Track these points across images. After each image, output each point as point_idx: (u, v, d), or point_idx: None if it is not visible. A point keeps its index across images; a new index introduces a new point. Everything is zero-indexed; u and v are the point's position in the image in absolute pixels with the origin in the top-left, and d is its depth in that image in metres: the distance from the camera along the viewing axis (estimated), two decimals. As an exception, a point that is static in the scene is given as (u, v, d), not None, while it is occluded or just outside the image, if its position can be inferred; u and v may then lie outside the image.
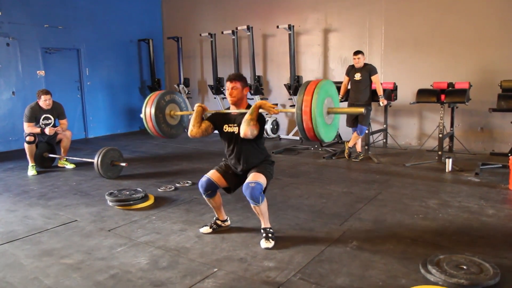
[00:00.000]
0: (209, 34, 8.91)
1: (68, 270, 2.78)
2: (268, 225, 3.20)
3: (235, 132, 3.14)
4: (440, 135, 5.65)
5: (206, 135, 3.25)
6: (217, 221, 3.42)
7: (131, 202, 4.08)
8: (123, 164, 5.25)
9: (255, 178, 3.03)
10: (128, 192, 4.26)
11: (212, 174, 3.23)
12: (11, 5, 7.57)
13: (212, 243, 3.18)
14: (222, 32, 8.62)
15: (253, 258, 2.88)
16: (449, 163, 5.23)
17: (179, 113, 3.76)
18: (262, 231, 3.17)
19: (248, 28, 8.16)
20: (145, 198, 4.21)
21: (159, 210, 3.99)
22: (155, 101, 3.58)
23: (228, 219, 3.49)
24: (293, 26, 7.81)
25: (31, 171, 5.63)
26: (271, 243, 3.07)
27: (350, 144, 6.06)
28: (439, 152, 5.68)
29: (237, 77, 3.16)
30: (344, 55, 7.71)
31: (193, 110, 3.28)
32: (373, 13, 7.34)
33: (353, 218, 3.65)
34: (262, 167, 3.15)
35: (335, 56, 7.90)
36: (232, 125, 3.19)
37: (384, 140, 7.10)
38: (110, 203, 4.15)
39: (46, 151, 5.87)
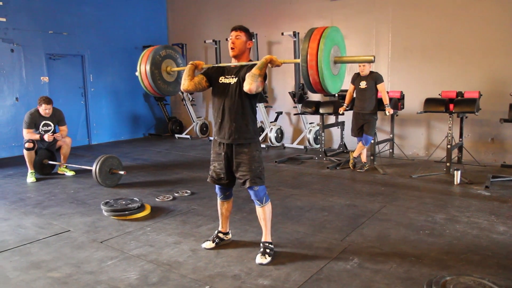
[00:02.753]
0: (214, 41, 8.84)
1: (54, 285, 2.66)
2: (269, 239, 3.05)
3: (231, 83, 2.88)
4: (449, 146, 5.47)
5: (200, 89, 2.99)
6: (219, 234, 3.27)
7: (127, 212, 3.96)
8: (122, 172, 5.15)
9: (255, 183, 2.88)
10: (124, 202, 4.14)
11: (216, 182, 3.09)
12: (16, 11, 7.57)
13: (206, 257, 3.04)
14: (227, 39, 8.49)
15: (247, 275, 2.74)
16: (457, 175, 5.05)
17: (176, 69, 3.57)
18: (261, 244, 3.03)
19: (253, 35, 8.08)
20: (141, 208, 4.09)
21: (154, 221, 3.87)
22: (150, 57, 3.43)
23: (230, 232, 3.34)
24: (298, 33, 7.70)
25: (30, 178, 5.55)
26: (266, 259, 2.91)
27: (355, 154, 5.90)
28: (448, 164, 5.50)
29: (242, 27, 2.92)
30: (349, 64, 7.56)
31: None
32: (380, 20, 7.21)
33: (355, 233, 3.49)
34: (252, 163, 2.88)
35: (341, 64, 7.75)
36: (228, 76, 2.92)
37: (391, 150, 6.93)
38: (105, 213, 4.04)
39: (45, 158, 5.80)
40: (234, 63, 2.97)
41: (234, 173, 2.99)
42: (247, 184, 2.91)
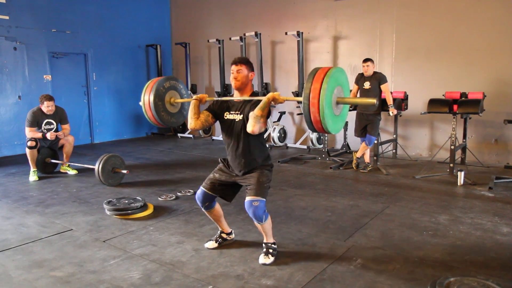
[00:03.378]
0: (217, 40, 8.83)
1: (57, 284, 2.66)
2: (271, 240, 3.03)
3: (236, 120, 2.90)
4: (452, 147, 5.44)
5: (208, 126, 3.03)
6: (222, 234, 3.25)
7: (129, 211, 3.96)
8: (125, 171, 5.14)
9: (256, 194, 2.81)
10: (127, 201, 4.14)
11: (208, 185, 3.04)
12: (19, 9, 7.57)
13: (209, 257, 3.03)
14: (230, 38, 8.53)
15: (250, 275, 2.73)
16: (461, 176, 5.03)
17: (180, 100, 3.55)
18: (263, 245, 3.01)
19: (256, 34, 8.06)
20: (144, 207, 4.08)
21: (157, 220, 3.86)
22: (154, 88, 3.42)
23: (232, 232, 3.32)
24: (302, 33, 7.69)
25: (33, 177, 5.55)
26: (269, 259, 2.90)
27: (358, 155, 5.89)
28: (451, 165, 5.48)
29: (243, 60, 2.92)
30: (354, 63, 7.55)
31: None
32: (384, 21, 7.19)
33: (359, 234, 3.48)
34: (261, 176, 2.90)
35: (345, 64, 7.73)
36: (233, 112, 2.93)
37: (394, 151, 6.91)
38: (108, 212, 4.04)
39: (48, 156, 5.80)
40: (237, 96, 2.96)
41: (240, 182, 2.98)
42: (247, 195, 2.84)
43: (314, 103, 2.52)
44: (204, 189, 3.04)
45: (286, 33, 7.79)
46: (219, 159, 3.15)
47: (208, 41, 9.14)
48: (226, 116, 2.96)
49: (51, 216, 4.03)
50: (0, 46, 7.39)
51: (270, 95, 2.74)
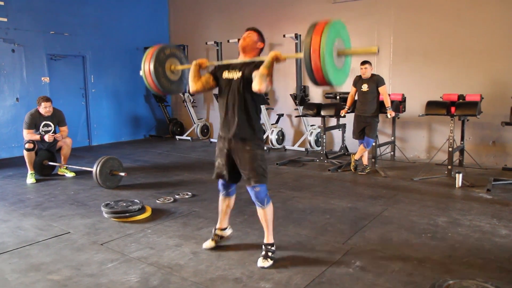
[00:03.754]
0: (215, 42, 8.83)
1: (54, 287, 2.64)
2: (271, 241, 3.02)
3: (234, 78, 2.88)
4: (450, 149, 5.45)
5: (209, 88, 3.06)
6: (217, 232, 3.23)
7: (127, 214, 3.94)
8: (122, 173, 5.13)
9: (256, 179, 2.84)
10: (124, 204, 4.12)
11: (220, 176, 3.06)
12: (17, 11, 7.56)
13: (208, 260, 3.02)
14: (228, 41, 8.53)
15: (249, 278, 2.72)
16: (459, 178, 5.03)
17: (180, 67, 3.53)
18: (263, 247, 2.99)
19: (255, 36, 8.05)
20: (142, 210, 4.06)
21: (155, 223, 3.85)
22: (155, 54, 3.41)
23: (228, 227, 3.30)
24: (300, 35, 7.69)
25: (30, 179, 5.53)
26: (268, 263, 2.89)
27: (356, 157, 5.89)
28: (449, 167, 5.48)
29: (255, 28, 2.97)
30: (352, 65, 7.50)
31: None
32: (382, 23, 7.20)
33: (357, 236, 3.47)
34: (254, 160, 2.86)
35: (343, 66, 7.74)
36: (233, 71, 2.92)
37: (392, 153, 6.91)
38: (106, 215, 4.02)
39: (46, 158, 5.78)
40: (240, 59, 2.96)
41: (239, 168, 2.96)
42: (247, 184, 2.90)
43: (316, 58, 2.49)
44: (220, 180, 3.10)
45: (284, 36, 7.80)
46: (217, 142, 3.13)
47: (206, 43, 9.15)
48: (224, 76, 2.96)
49: (48, 219, 4.01)
50: (-2, 48, 7.38)
51: (272, 53, 2.74)
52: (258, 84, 2.68)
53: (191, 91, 3.05)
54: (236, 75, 2.89)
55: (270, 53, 2.74)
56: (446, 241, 3.34)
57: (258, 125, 2.97)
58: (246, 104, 2.88)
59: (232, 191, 3.17)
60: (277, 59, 2.73)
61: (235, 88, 2.88)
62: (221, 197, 3.20)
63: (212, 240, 3.22)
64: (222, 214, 3.23)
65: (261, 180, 2.88)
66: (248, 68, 2.85)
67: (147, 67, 3.42)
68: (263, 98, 7.93)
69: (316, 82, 2.66)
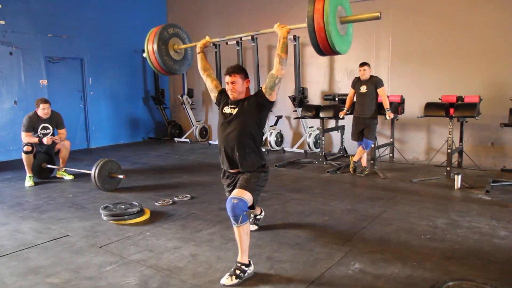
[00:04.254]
0: (214, 44, 8.82)
1: (53, 291, 2.63)
2: (245, 260, 2.76)
3: (233, 114, 2.90)
4: (449, 150, 5.45)
5: (212, 80, 3.19)
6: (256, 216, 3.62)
7: (126, 216, 3.94)
8: (121, 176, 5.12)
9: (240, 193, 2.75)
10: (123, 206, 4.11)
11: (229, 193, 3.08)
12: (15, 14, 7.55)
13: (206, 263, 3.01)
14: (227, 43, 8.53)
15: (248, 280, 2.71)
16: (458, 180, 5.03)
17: (183, 46, 3.57)
18: (235, 264, 2.76)
19: (253, 38, 8.07)
20: (140, 212, 4.06)
21: (154, 226, 3.84)
22: (158, 32, 3.42)
23: (262, 210, 3.72)
24: (299, 37, 7.70)
25: (29, 182, 5.52)
26: (232, 281, 2.64)
27: (355, 159, 5.88)
28: (448, 168, 5.48)
29: (236, 69, 2.89)
30: (350, 67, 7.57)
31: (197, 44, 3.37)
32: (381, 25, 7.20)
33: (357, 238, 3.47)
34: (252, 178, 2.85)
35: (341, 68, 7.76)
36: (232, 106, 2.94)
37: (391, 155, 6.91)
38: (104, 218, 4.01)
39: (44, 161, 5.76)
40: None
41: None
42: (231, 194, 2.79)
43: (320, 26, 2.54)
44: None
45: (282, 38, 7.79)
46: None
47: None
48: (224, 110, 2.98)
49: (47, 222, 4.00)
50: (-4, 51, 7.37)
51: (283, 32, 2.86)
52: (278, 70, 2.81)
53: (199, 69, 3.26)
54: (234, 110, 2.91)
55: (281, 33, 2.84)
56: (445, 243, 3.34)
57: (260, 154, 2.97)
58: (244, 140, 2.87)
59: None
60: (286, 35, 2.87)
61: (233, 123, 2.88)
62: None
63: (253, 224, 3.60)
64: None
65: (245, 194, 2.75)
66: (247, 102, 2.91)
67: (150, 47, 3.42)
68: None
69: (321, 52, 2.69)
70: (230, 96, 2.94)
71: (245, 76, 2.94)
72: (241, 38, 8.25)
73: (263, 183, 2.95)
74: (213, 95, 3.16)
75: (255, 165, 2.92)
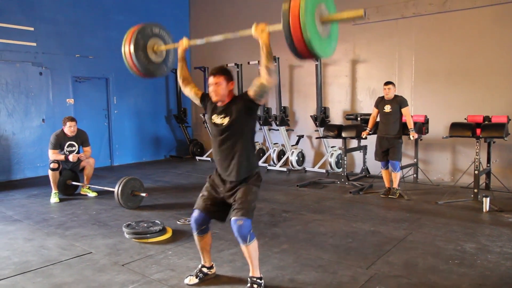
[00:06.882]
0: (236, 64, 8.93)
1: (76, 309, 2.64)
2: (257, 274, 2.84)
3: (224, 124, 2.80)
4: (476, 172, 5.31)
5: (190, 90, 3.12)
6: (202, 268, 3.07)
7: (148, 235, 3.95)
8: (144, 194, 5.16)
9: (242, 213, 2.68)
10: (145, 224, 4.13)
11: (202, 206, 2.89)
12: (46, 36, 7.84)
13: (228, 284, 2.97)
14: (249, 63, 8.62)
15: (271, 304, 2.66)
16: (486, 202, 4.87)
17: (164, 47, 3.36)
18: (248, 279, 2.83)
19: (275, 58, 8.14)
20: (162, 231, 4.07)
21: (176, 245, 3.83)
22: (135, 34, 3.26)
23: (214, 265, 3.16)
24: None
25: (54, 198, 5.62)
26: None
27: (396, 185, 5.72)
28: (475, 190, 5.32)
29: (220, 70, 2.81)
30: (373, 87, 7.52)
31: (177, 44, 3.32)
32: (403, 44, 7.18)
33: (381, 261, 3.38)
34: (249, 194, 2.77)
35: (363, 88, 7.72)
36: (221, 116, 2.83)
37: (415, 175, 6.77)
38: (127, 235, 4.03)
39: (69, 178, 5.87)
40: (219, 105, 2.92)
41: (228, 200, 2.86)
42: (233, 215, 2.71)
43: (296, 27, 2.29)
44: (199, 210, 2.90)
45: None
46: (207, 177, 3.05)
47: (226, 65, 9.24)
48: (213, 120, 2.89)
49: (71, 239, 4.05)
50: (28, 71, 7.63)
51: (265, 38, 2.62)
52: (267, 81, 2.64)
53: (178, 77, 3.24)
54: (225, 120, 2.82)
55: (262, 40, 2.62)
56: (476, 269, 3.21)
57: (253, 162, 2.92)
58: (242, 154, 2.81)
59: (206, 228, 2.97)
60: (267, 38, 2.65)
61: (226, 133, 2.82)
62: (195, 236, 2.99)
63: (196, 276, 3.03)
64: (203, 252, 3.07)
65: (248, 214, 2.71)
66: (234, 107, 2.81)
67: (127, 48, 3.26)
68: (283, 120, 7.95)
69: (299, 56, 2.49)
70: (213, 98, 2.85)
71: (230, 78, 2.85)
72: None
73: (257, 192, 2.89)
74: (197, 102, 3.08)
75: (253, 172, 2.88)
